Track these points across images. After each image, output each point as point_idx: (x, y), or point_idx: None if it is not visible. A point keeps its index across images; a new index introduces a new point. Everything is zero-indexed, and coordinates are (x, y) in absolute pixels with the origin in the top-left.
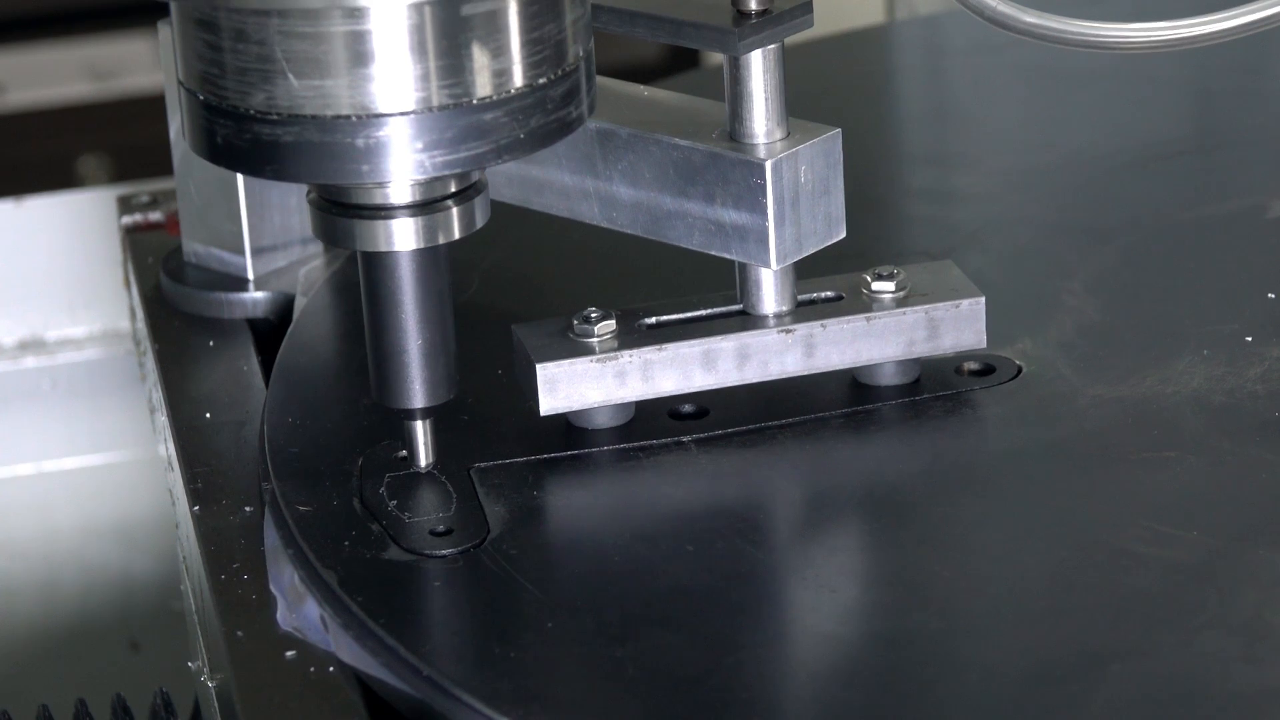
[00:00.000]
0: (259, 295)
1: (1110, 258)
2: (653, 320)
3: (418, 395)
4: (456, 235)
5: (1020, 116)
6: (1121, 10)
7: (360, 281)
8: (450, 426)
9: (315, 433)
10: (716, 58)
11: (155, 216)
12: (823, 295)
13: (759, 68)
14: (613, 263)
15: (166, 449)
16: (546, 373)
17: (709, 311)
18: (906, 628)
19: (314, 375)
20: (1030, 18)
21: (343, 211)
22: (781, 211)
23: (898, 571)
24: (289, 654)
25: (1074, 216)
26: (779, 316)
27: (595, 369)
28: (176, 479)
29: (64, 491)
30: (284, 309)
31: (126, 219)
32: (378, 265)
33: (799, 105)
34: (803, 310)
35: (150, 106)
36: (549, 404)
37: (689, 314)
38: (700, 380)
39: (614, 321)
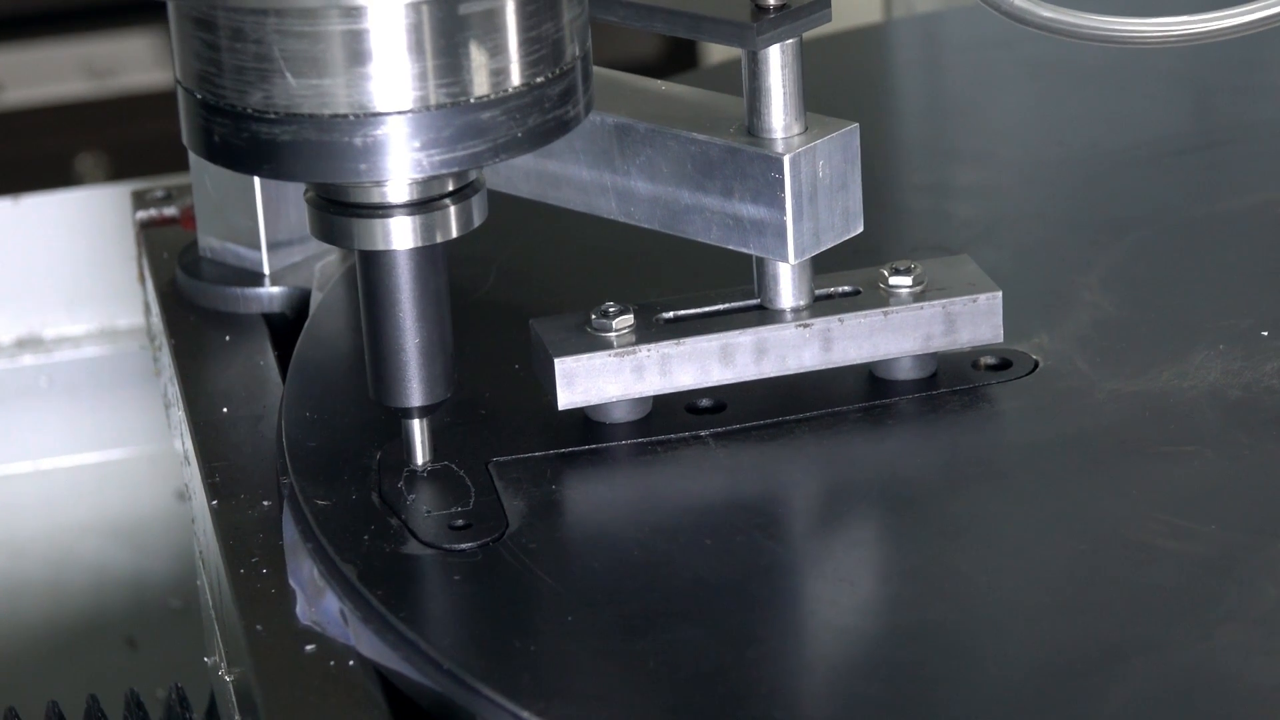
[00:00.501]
0: (275, 290)
1: (1125, 252)
2: (670, 315)
3: (415, 394)
4: (454, 234)
5: (1028, 112)
6: (1134, 5)
7: (358, 280)
8: (468, 421)
9: (333, 427)
10: (715, 57)
11: (170, 211)
12: (840, 290)
13: (777, 62)
14: (630, 257)
15: (183, 444)
16: (564, 367)
17: (726, 306)
18: (925, 621)
19: (331, 370)
20: (1047, 12)
21: (340, 210)
22: (799, 206)
23: (916, 565)
24: (309, 648)
25: (1088, 211)
26: (796, 311)
27: (613, 363)
28: (194, 473)
29: (64, 489)
30: (300, 304)
31: (141, 214)
32: (375, 264)
33: (812, 102)
34: (820, 305)
35: (148, 104)
36: (567, 398)
37: (706, 308)
38: (718, 375)
39: (632, 316)
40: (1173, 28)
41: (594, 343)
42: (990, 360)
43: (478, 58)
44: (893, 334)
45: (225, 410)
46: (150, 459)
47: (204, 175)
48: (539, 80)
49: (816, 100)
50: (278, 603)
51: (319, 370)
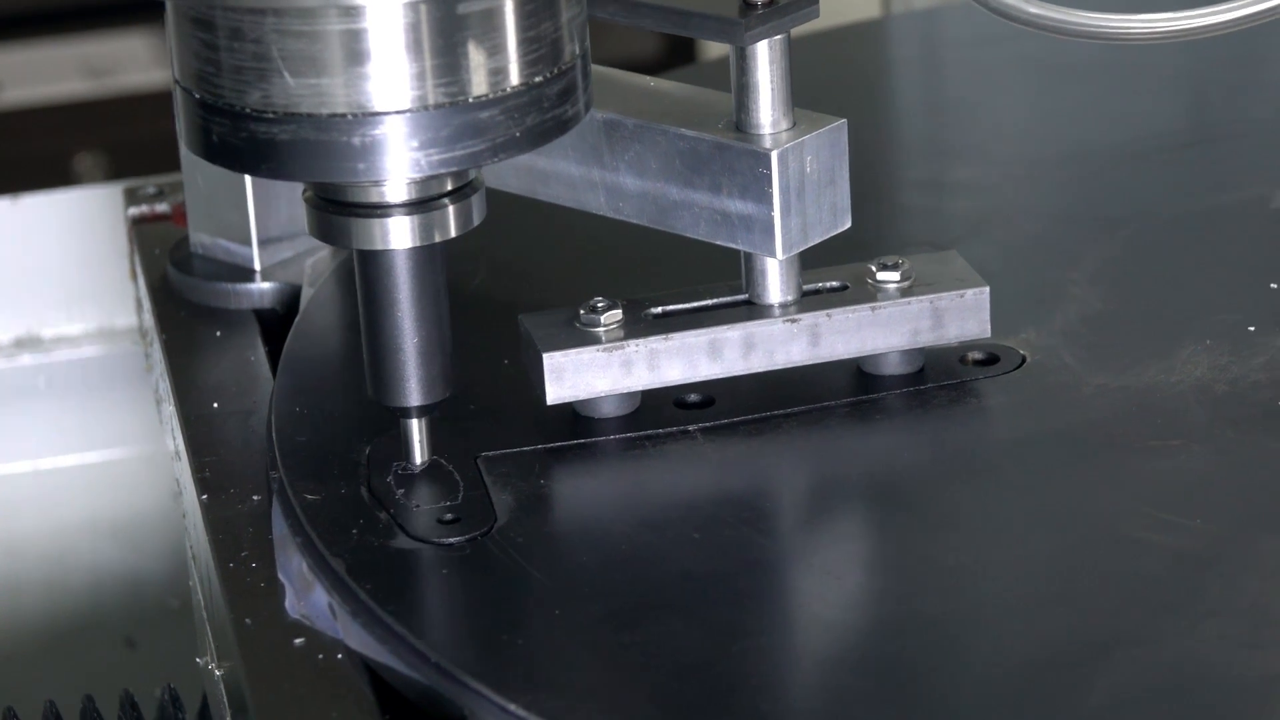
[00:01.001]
0: (266, 286)
1: (1113, 248)
2: (659, 310)
3: (414, 393)
4: (453, 234)
5: (1020, 109)
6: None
7: (356, 280)
8: (457, 416)
9: (322, 422)
10: (713, 53)
11: (162, 208)
12: (828, 285)
13: (765, 58)
14: (619, 253)
15: (174, 439)
16: (553, 362)
17: (715, 301)
18: (912, 614)
19: (321, 365)
20: (1033, 8)
21: (339, 210)
22: (787, 201)
23: (902, 558)
24: (297, 641)
25: (1077, 207)
26: (784, 306)
27: (602, 358)
28: (184, 469)
29: (62, 489)
30: (291, 300)
31: (133, 210)
32: (374, 264)
33: (803, 98)
34: (808, 300)
35: (147, 104)
36: (555, 393)
37: (695, 303)
38: (706, 369)
39: (620, 311)
40: (1159, 24)
41: (583, 338)
42: (978, 355)
43: (476, 57)
44: (880, 329)
45: (216, 405)
46: (149, 459)
47: (195, 171)
48: (538, 80)
49: (806, 95)
50: (267, 597)
51: (309, 365)
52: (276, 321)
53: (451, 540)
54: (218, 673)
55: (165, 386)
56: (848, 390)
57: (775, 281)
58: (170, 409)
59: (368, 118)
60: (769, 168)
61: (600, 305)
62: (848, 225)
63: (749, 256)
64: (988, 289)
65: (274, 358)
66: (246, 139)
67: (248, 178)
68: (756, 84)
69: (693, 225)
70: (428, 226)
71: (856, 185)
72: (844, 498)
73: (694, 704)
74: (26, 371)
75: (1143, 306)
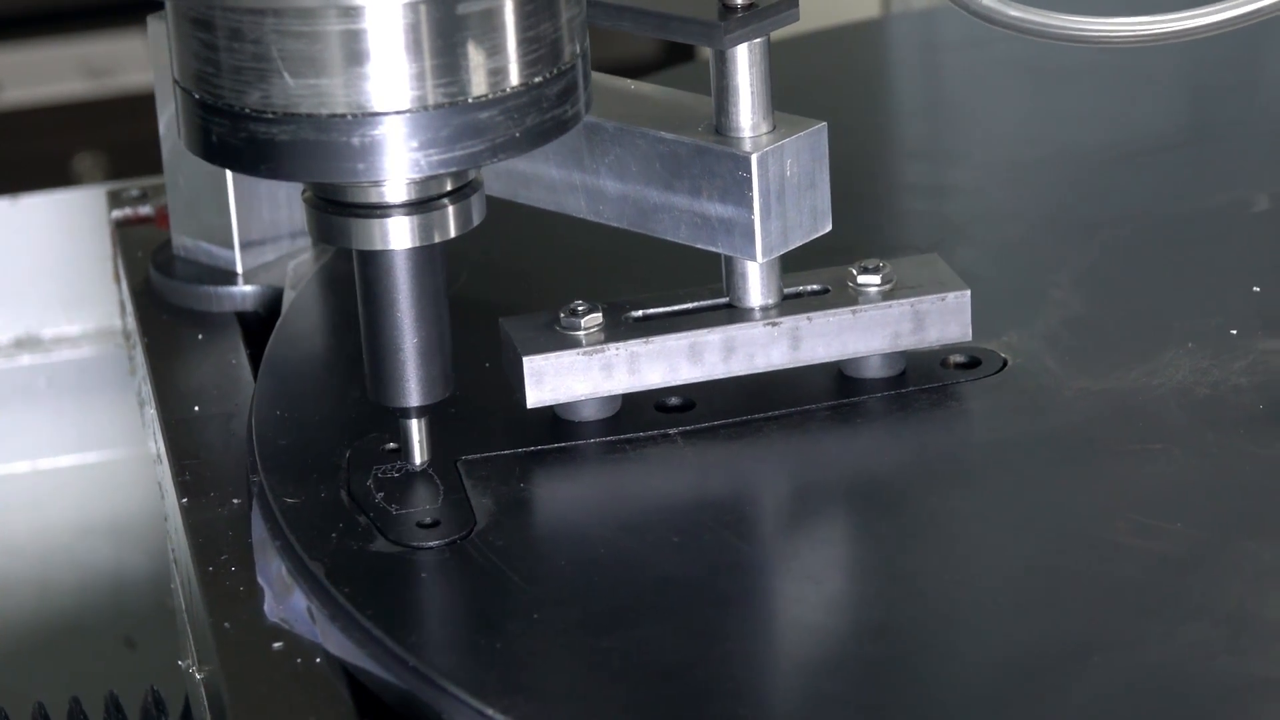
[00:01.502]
0: (248, 289)
1: (1096, 251)
2: (639, 313)
3: (413, 394)
4: (452, 234)
5: (1009, 111)
6: (1107, 5)
7: (355, 280)
8: (437, 419)
9: (303, 426)
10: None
11: (145, 210)
12: (809, 288)
13: (745, 61)
14: (599, 256)
15: (155, 442)
16: (533, 365)
17: (695, 304)
18: (892, 619)
19: (302, 369)
20: (1014, 11)
21: (338, 210)
22: (767, 205)
23: (883, 563)
24: (276, 645)
25: (1060, 211)
26: (765, 309)
27: (582, 362)
28: (165, 472)
29: (59, 489)
30: (273, 303)
31: (116, 213)
32: (373, 264)
33: (791, 99)
34: (789, 303)
35: (146, 104)
36: (536, 396)
37: (675, 307)
38: (686, 373)
39: (601, 314)
40: (1140, 28)
41: (563, 341)
42: (959, 359)
43: (475, 57)
44: (861, 332)
45: (197, 409)
46: (145, 459)
47: (177, 174)
48: (537, 80)
49: (796, 98)
50: (246, 600)
51: (291, 369)
52: (258, 324)
53: (431, 544)
54: (198, 676)
55: (147, 389)
56: (829, 394)
57: (756, 285)
58: (152, 412)
59: (367, 118)
60: (749, 171)
61: (581, 308)
62: (828, 229)
63: (729, 260)
64: (969, 292)
65: (255, 361)
66: (246, 139)
67: (230, 180)
68: (736, 87)
69: (673, 228)
70: (427, 227)
71: (839, 187)
72: (824, 502)
73: (672, 708)
74: (25, 372)
75: (1125, 310)
